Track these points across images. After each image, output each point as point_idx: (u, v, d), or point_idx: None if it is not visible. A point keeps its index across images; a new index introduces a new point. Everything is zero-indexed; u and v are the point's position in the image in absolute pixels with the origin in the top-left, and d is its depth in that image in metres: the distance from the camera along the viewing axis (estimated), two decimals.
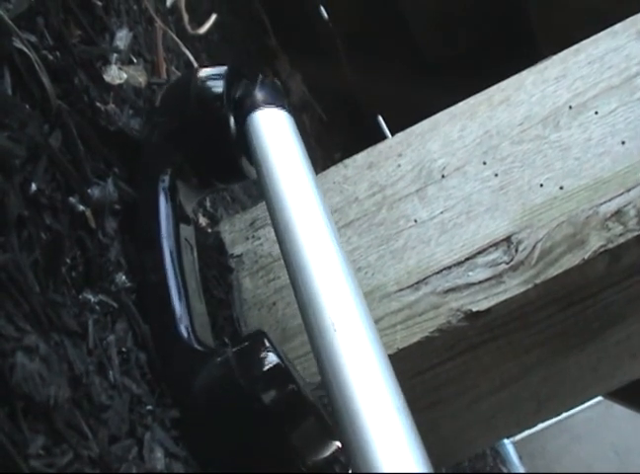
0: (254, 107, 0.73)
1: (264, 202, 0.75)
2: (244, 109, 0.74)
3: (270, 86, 0.76)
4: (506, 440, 2.99)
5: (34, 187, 0.56)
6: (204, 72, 0.77)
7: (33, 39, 0.63)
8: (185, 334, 0.66)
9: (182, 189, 0.75)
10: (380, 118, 2.04)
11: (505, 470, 2.95)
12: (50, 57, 0.65)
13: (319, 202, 0.67)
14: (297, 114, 1.91)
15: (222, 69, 0.76)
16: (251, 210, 0.93)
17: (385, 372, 0.55)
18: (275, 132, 0.72)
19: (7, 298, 0.48)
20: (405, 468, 0.49)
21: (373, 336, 0.58)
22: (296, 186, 0.68)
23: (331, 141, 2.05)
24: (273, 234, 0.72)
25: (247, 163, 0.77)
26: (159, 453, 0.59)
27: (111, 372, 0.58)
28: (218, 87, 0.74)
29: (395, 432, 0.51)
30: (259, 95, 0.74)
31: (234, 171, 0.78)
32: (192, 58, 1.03)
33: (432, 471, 0.50)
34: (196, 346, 0.66)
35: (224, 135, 0.74)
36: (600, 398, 2.48)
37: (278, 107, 0.74)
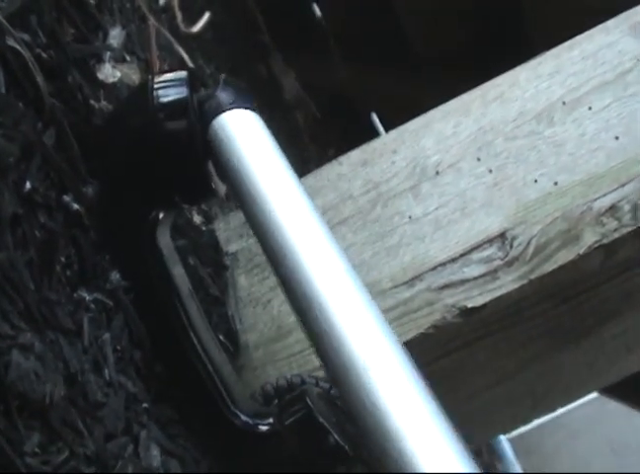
0: (218, 109, 0.63)
1: None
2: (207, 114, 0.64)
3: (233, 86, 0.67)
4: (501, 437, 2.99)
5: (28, 185, 0.56)
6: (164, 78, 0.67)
7: (26, 37, 0.62)
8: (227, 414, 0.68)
9: (161, 232, 0.68)
10: (374, 116, 2.04)
11: (500, 467, 2.95)
12: (44, 56, 0.64)
13: (308, 204, 0.59)
14: (291, 111, 1.91)
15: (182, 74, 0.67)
16: None
17: (405, 364, 0.51)
18: (246, 133, 0.63)
19: (2, 296, 0.48)
20: (448, 468, 0.43)
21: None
22: (282, 188, 0.59)
23: (325, 138, 2.05)
24: None
25: (215, 178, 0.67)
26: (155, 451, 0.59)
27: (106, 370, 0.58)
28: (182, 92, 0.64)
29: (430, 427, 0.46)
30: (222, 96, 0.64)
31: (205, 188, 0.67)
32: (185, 56, 1.03)
33: (477, 471, 0.44)
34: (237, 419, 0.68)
35: (193, 148, 0.64)
36: (596, 395, 2.48)
37: (244, 107, 0.64)
